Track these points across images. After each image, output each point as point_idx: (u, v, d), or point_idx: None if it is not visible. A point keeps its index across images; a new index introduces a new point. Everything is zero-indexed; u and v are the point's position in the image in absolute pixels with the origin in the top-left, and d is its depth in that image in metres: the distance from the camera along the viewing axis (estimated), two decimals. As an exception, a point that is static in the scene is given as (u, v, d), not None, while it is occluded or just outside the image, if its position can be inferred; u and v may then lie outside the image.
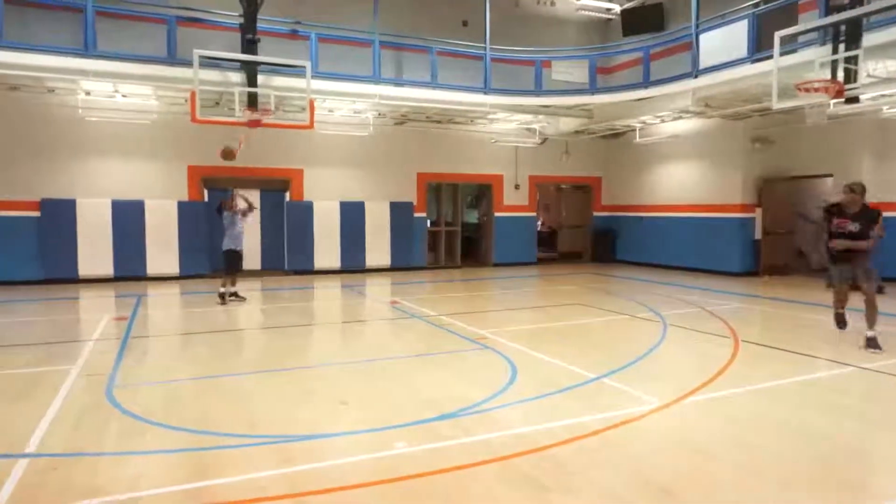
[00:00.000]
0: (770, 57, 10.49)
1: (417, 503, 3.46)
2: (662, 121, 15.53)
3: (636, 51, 14.99)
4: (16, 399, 5.32)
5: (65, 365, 6.47)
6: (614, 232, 18.75)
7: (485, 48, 14.26)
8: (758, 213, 14.78)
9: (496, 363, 6.61)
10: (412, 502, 3.48)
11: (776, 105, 10.48)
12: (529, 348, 7.22)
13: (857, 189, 6.96)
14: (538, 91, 14.74)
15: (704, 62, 12.40)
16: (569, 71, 15.42)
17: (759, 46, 11.42)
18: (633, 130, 16.12)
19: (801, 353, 7.05)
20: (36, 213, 12.94)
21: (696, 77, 12.50)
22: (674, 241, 16.48)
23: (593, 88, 14.96)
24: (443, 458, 4.07)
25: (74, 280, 13.13)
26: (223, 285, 10.77)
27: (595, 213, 19.14)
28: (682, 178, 16.35)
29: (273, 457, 4.13)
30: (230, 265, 10.83)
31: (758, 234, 14.82)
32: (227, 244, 10.74)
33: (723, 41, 12.11)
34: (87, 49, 11.20)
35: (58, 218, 13.00)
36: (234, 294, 10.94)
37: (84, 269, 13.23)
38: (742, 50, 11.69)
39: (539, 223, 19.73)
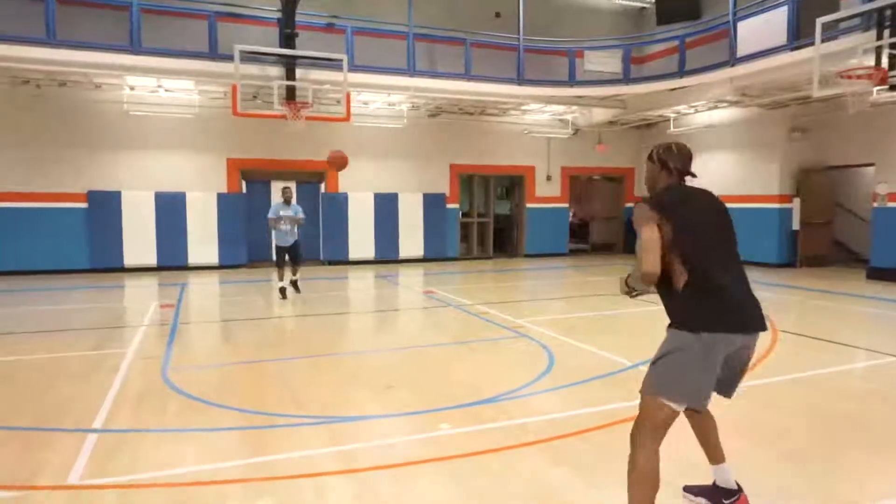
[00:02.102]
0: (811, 44, 10.32)
1: (466, 480, 3.61)
2: (697, 111, 15.36)
3: (671, 39, 14.84)
4: (81, 379, 5.63)
5: (120, 349, 6.79)
6: (647, 223, 18.57)
7: (518, 39, 14.28)
8: (796, 204, 14.54)
9: (533, 351, 6.73)
10: (461, 480, 3.62)
11: (817, 93, 10.32)
12: (565, 337, 7.31)
13: None
14: (571, 82, 14.71)
15: (742, 50, 12.24)
16: (602, 61, 15.33)
17: (798, 34, 11.23)
18: (667, 121, 15.97)
19: (842, 343, 7.01)
20: (84, 205, 13.43)
21: (733, 66, 12.35)
22: (709, 232, 16.29)
23: (627, 78, 14.87)
24: (486, 439, 4.21)
25: (120, 269, 13.61)
26: (293, 274, 10.78)
27: (628, 204, 19.02)
28: (718, 169, 16.14)
29: (324, 436, 4.32)
30: (276, 260, 10.86)
31: (795, 225, 14.59)
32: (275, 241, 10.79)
33: (761, 29, 11.94)
34: (132, 45, 11.56)
35: (104, 209, 13.48)
36: (278, 287, 11.06)
37: (129, 259, 13.70)
38: (781, 37, 11.51)
39: (571, 214, 19.69)
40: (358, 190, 15.56)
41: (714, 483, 3.37)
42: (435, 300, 10.43)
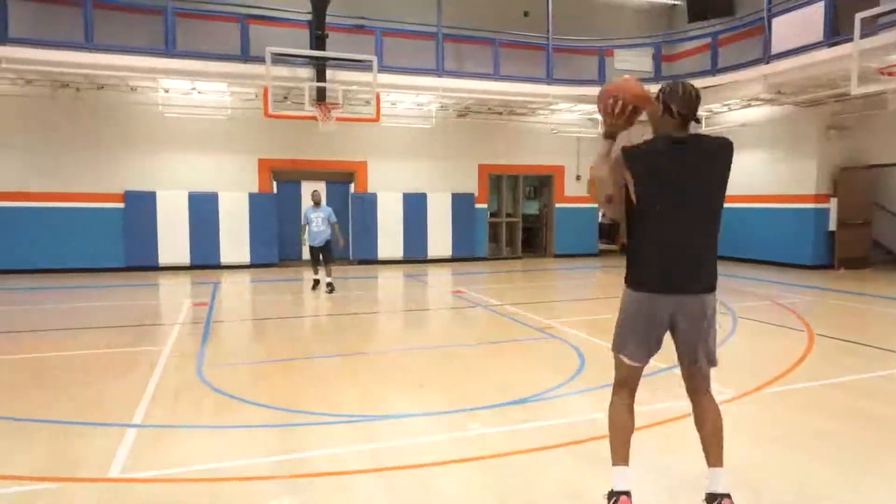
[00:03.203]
0: (849, 40, 10.07)
1: (496, 481, 3.60)
2: (730, 109, 15.09)
3: (703, 37, 14.61)
4: (119, 375, 5.77)
5: (156, 346, 6.94)
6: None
7: (547, 38, 14.20)
8: (833, 204, 14.19)
9: (563, 351, 6.68)
10: (491, 480, 3.62)
11: (855, 90, 10.06)
12: (596, 338, 7.25)
13: None
14: (601, 80, 14.56)
15: (777, 47, 11.99)
16: (632, 59, 15.18)
17: (835, 29, 10.96)
18: (699, 120, 15.69)
19: (881, 348, 6.82)
20: (120, 205, 13.75)
21: (767, 63, 12.11)
22: (741, 232, 16.00)
23: (658, 77, 14.68)
24: (518, 440, 4.20)
25: (154, 268, 13.90)
26: (327, 275, 11.04)
27: (658, 204, 18.75)
28: (751, 168, 15.83)
29: (354, 434, 4.35)
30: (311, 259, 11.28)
31: (832, 226, 14.23)
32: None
33: (797, 24, 11.67)
34: (167, 49, 11.80)
35: (140, 209, 13.78)
36: (313, 280, 11.36)
37: (163, 258, 13.99)
38: (818, 33, 11.24)
39: (601, 214, 19.51)
40: (387, 190, 15.65)
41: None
42: (464, 300, 10.43)
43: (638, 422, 4.42)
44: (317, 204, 10.95)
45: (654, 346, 3.14)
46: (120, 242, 13.75)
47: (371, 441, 4.20)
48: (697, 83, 13.34)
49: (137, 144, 13.85)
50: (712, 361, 3.12)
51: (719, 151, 3.00)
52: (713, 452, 3.12)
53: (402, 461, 3.87)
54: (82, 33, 11.36)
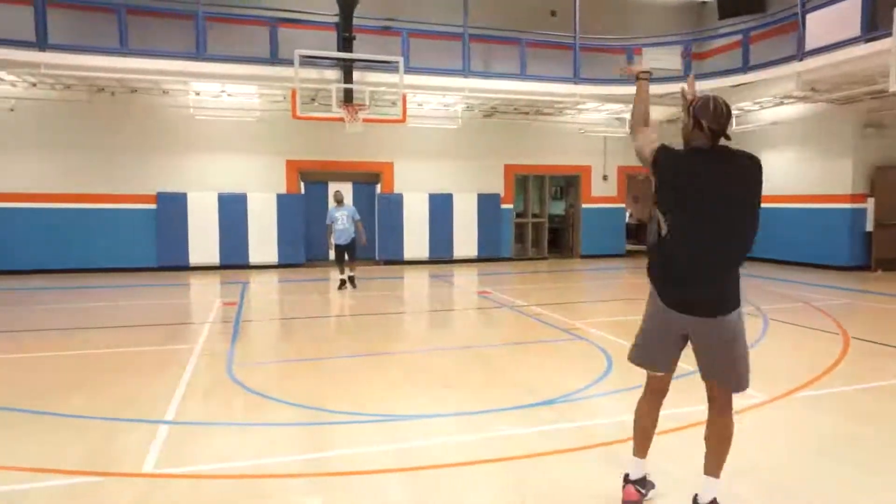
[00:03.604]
0: (887, 35, 9.80)
1: (524, 483, 3.59)
2: (762, 107, 14.80)
3: (734, 34, 14.36)
4: (152, 373, 5.89)
5: (187, 344, 7.07)
6: (708, 223, 18.05)
7: (574, 37, 14.11)
8: (870, 204, 13.82)
9: (591, 353, 6.64)
10: (519, 481, 3.61)
11: (894, 87, 9.78)
12: (624, 340, 7.16)
13: None
14: (628, 79, 14.39)
15: (811, 43, 11.73)
16: (661, 57, 14.98)
17: (873, 24, 10.68)
18: (729, 136, 15.41)
19: (921, 352, 6.63)
20: (153, 206, 14.04)
21: (801, 59, 11.85)
22: (773, 233, 15.67)
23: (687, 75, 14.44)
24: (546, 441, 4.19)
25: (185, 267, 14.16)
26: (350, 270, 11.49)
27: (687, 205, 18.50)
28: (784, 168, 15.52)
29: (382, 434, 4.38)
30: (335, 257, 11.55)
31: (869, 226, 13.87)
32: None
33: (832, 20, 11.40)
34: (198, 53, 12.02)
35: (171, 210, 14.05)
36: (339, 279, 11.55)
37: (194, 258, 14.24)
38: (854, 29, 10.97)
39: (628, 215, 19.31)
40: (413, 190, 15.71)
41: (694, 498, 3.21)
42: (490, 301, 10.41)
43: (670, 424, 4.40)
44: (339, 203, 11.32)
45: (672, 356, 3.11)
46: (152, 243, 14.04)
47: (398, 441, 4.23)
48: (728, 81, 13.15)
49: (169, 146, 14.13)
50: (740, 385, 3.04)
51: (749, 170, 2.92)
52: (711, 461, 3.10)
53: (430, 461, 3.89)
54: (117, 39, 11.63)
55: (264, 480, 3.64)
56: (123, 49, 11.65)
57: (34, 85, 12.56)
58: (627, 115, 16.23)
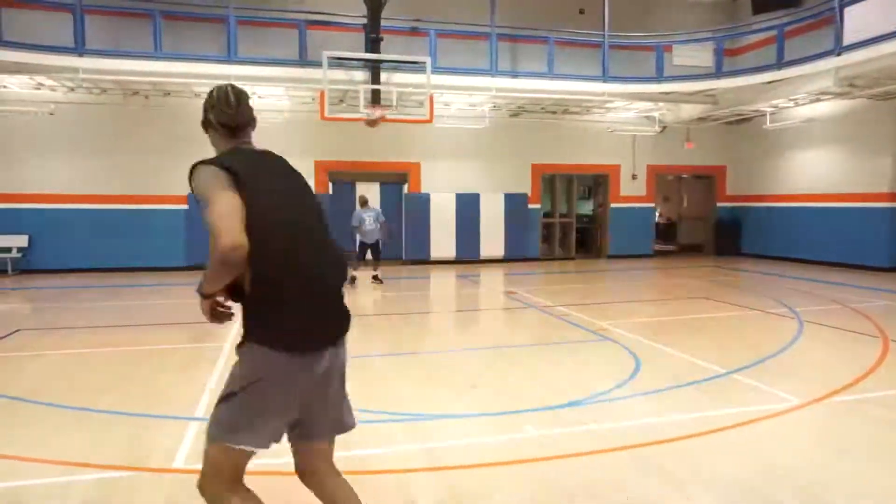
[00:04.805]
0: (929, 29, 9.48)
1: (551, 484, 3.57)
2: (797, 104, 14.44)
3: (768, 30, 14.04)
4: (182, 370, 6.01)
5: (216, 342, 7.16)
6: (740, 224, 17.74)
7: (603, 35, 13.97)
8: (910, 202, 13.42)
9: (618, 354, 6.56)
10: (546, 483, 3.59)
11: (936, 82, 9.47)
12: (652, 341, 7.09)
13: None
14: (659, 77, 14.23)
15: (849, 38, 11.41)
16: (692, 54, 14.73)
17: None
18: (763, 115, 15.15)
19: (965, 356, 6.40)
20: (184, 207, 14.30)
21: (839, 55, 11.54)
22: (809, 233, 15.34)
23: (719, 72, 14.21)
24: (572, 443, 4.15)
25: (216, 267, 14.36)
26: (375, 269, 12.08)
27: (718, 204, 18.20)
28: (819, 166, 15.16)
29: (408, 433, 4.39)
30: (357, 253, 11.89)
31: (910, 226, 13.46)
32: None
33: (872, 14, 11.07)
34: (229, 56, 12.20)
35: (199, 210, 14.26)
36: (353, 276, 11.73)
37: (224, 257, 14.43)
38: (895, 22, 10.63)
39: (657, 214, 19.06)
40: (440, 190, 15.72)
41: None
42: (517, 301, 10.37)
43: (695, 428, 4.33)
44: (364, 204, 11.80)
45: (285, 427, 2.33)
46: (182, 243, 14.31)
47: (426, 440, 4.23)
48: (762, 77, 12.85)
49: (200, 148, 14.16)
50: (351, 423, 2.53)
51: (294, 170, 2.52)
52: None
53: (457, 461, 3.89)
54: (151, 43, 11.88)
55: (292, 478, 3.67)
56: (157, 53, 11.89)
57: (72, 89, 12.91)
58: (657, 114, 16.06)
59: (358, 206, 12.05)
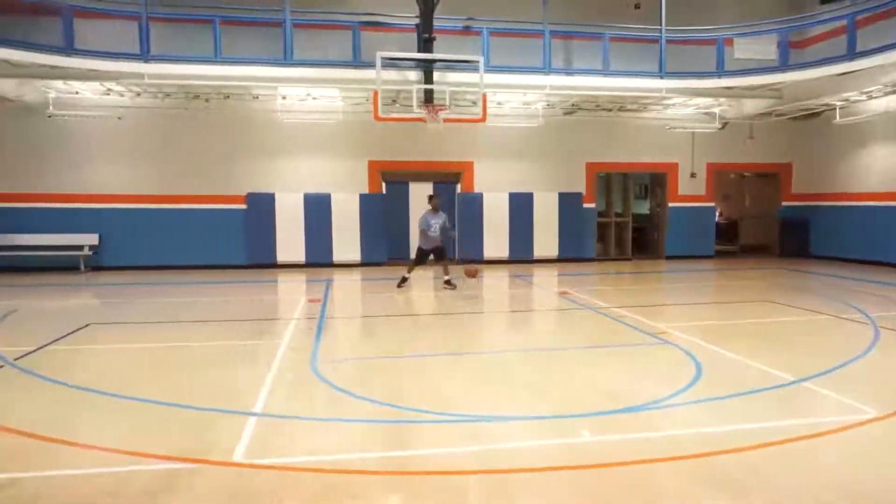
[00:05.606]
0: None
1: (606, 492, 3.46)
2: (871, 97, 13.69)
3: (838, 19, 13.34)
4: (241, 366, 6.15)
5: (274, 339, 7.33)
6: (807, 224, 16.95)
7: (660, 30, 13.58)
8: None
9: (678, 359, 6.34)
10: (601, 491, 3.48)
11: None
12: (714, 345, 6.82)
13: None
14: (720, 72, 13.73)
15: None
16: (755, 48, 14.17)
17: None
18: (832, 110, 14.41)
19: None
20: (243, 206, 14.71)
21: (917, 44, 10.86)
22: (885, 234, 14.51)
23: (784, 65, 13.60)
24: (630, 450, 4.02)
25: (273, 265, 14.74)
26: (445, 273, 11.60)
27: (784, 203, 17.44)
28: (892, 162, 14.32)
29: (462, 434, 4.35)
30: (416, 258, 11.71)
31: None
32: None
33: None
34: (285, 59, 12.46)
35: (260, 210, 14.67)
36: (447, 281, 11.54)
37: (281, 256, 14.79)
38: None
39: (717, 214, 18.43)
40: (493, 190, 15.64)
41: None
42: (571, 302, 10.19)
43: (762, 438, 4.12)
44: (435, 210, 11.40)
45: None
46: (241, 241, 14.71)
47: (478, 442, 4.18)
48: (832, 70, 12.29)
49: (258, 149, 14.76)
50: None
51: None
52: None
53: (509, 464, 3.82)
54: (212, 48, 12.24)
55: (346, 476, 3.69)
56: (217, 57, 12.26)
57: (139, 94, 13.47)
58: (717, 110, 15.52)
59: (428, 209, 11.45)
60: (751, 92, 14.33)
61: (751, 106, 15.20)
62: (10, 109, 13.35)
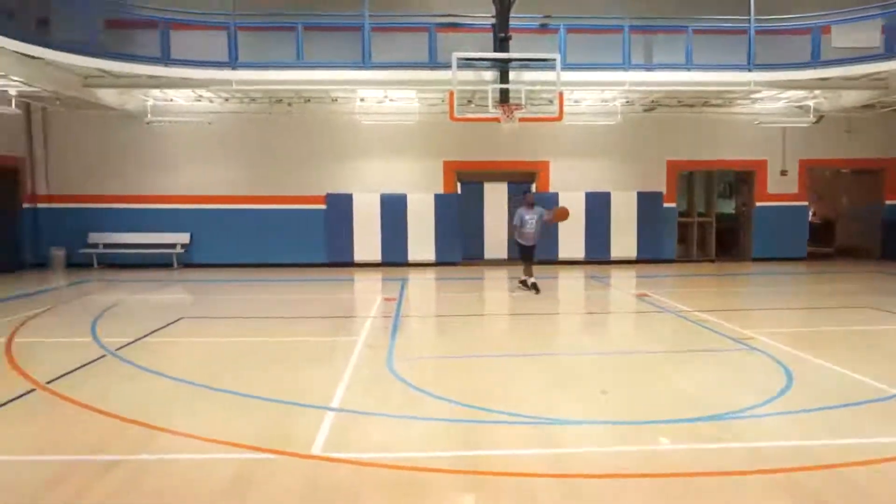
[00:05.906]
0: None
1: (681, 503, 3.34)
2: None
3: (953, 2, 12.25)
4: (319, 362, 6.36)
5: (351, 336, 7.54)
6: (915, 224, 15.67)
7: (748, 20, 12.92)
8: None
9: (765, 366, 6.03)
10: (678, 502, 3.37)
11: None
12: (806, 353, 6.44)
13: None
14: (815, 62, 12.90)
15: None
16: (855, 35, 13.22)
17: None
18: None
19: None
20: (322, 207, 15.18)
21: None
22: None
23: (890, 53, 12.61)
24: (712, 461, 3.86)
25: (350, 264, 15.13)
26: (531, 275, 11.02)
27: (888, 202, 16.20)
28: None
29: (535, 436, 4.32)
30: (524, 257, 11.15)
31: None
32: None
33: None
34: (363, 62, 12.75)
35: (339, 210, 15.09)
36: (529, 283, 10.98)
37: (358, 255, 15.16)
38: None
39: (810, 213, 17.35)
40: (569, 189, 15.39)
41: None
42: (650, 304, 9.89)
43: (859, 455, 3.85)
44: (531, 205, 10.91)
45: None
46: (321, 241, 15.18)
47: (551, 445, 4.15)
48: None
49: (337, 150, 15.19)
50: None
51: None
52: None
53: (582, 469, 3.77)
54: (293, 53, 12.70)
55: (420, 473, 3.74)
56: (299, 62, 12.71)
57: (227, 100, 14.18)
58: (812, 102, 14.60)
59: (522, 206, 10.99)
60: (850, 83, 13.38)
61: (850, 98, 14.19)
62: (113, 117, 14.36)
